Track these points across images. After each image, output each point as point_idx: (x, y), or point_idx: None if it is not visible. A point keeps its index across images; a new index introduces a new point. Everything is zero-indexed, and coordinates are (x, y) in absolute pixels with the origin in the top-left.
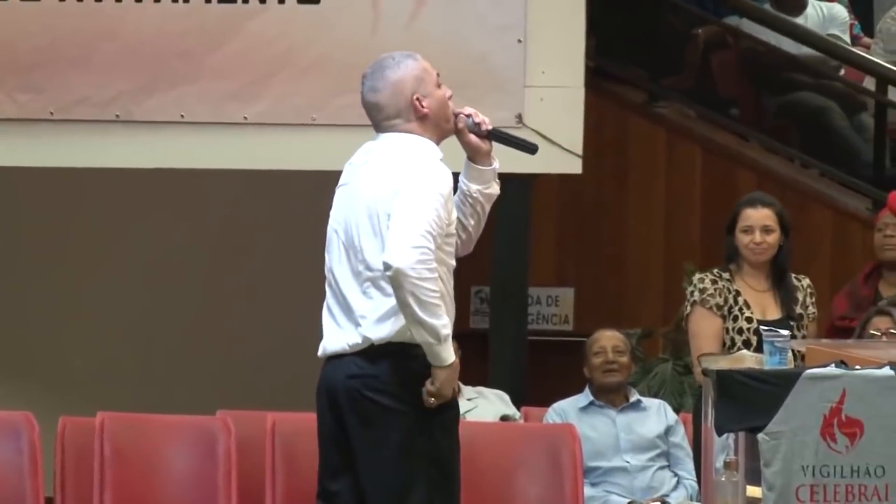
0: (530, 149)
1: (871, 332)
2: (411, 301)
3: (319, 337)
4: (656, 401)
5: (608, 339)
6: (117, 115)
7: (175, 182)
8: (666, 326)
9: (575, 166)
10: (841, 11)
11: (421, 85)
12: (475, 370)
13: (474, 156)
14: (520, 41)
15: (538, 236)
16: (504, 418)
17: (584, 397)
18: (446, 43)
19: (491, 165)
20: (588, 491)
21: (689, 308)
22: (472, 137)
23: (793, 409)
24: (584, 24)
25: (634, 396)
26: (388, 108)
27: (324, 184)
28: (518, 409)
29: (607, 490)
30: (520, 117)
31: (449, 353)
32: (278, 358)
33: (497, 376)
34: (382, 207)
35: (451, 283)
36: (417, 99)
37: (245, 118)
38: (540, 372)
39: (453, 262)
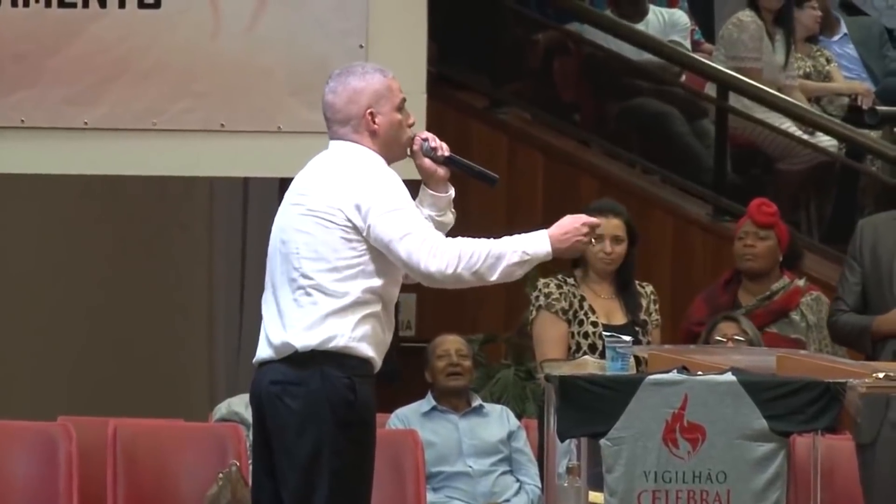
0: (490, 179)
1: (717, 337)
2: (474, 282)
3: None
4: (498, 406)
5: (452, 343)
6: None
7: (14, 187)
8: (508, 332)
9: (416, 172)
10: (682, 17)
11: (379, 101)
12: None
13: (428, 181)
14: (361, 46)
15: None
16: None
17: (427, 403)
18: (287, 47)
19: (447, 192)
20: (430, 496)
21: (534, 313)
22: (426, 161)
23: (635, 415)
24: (425, 29)
25: (477, 401)
26: (340, 112)
27: (162, 188)
28: None
29: (449, 495)
30: None
31: (536, 255)
32: (119, 364)
33: None
34: (330, 210)
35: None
36: (371, 113)
37: (85, 123)
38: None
39: (397, 291)
